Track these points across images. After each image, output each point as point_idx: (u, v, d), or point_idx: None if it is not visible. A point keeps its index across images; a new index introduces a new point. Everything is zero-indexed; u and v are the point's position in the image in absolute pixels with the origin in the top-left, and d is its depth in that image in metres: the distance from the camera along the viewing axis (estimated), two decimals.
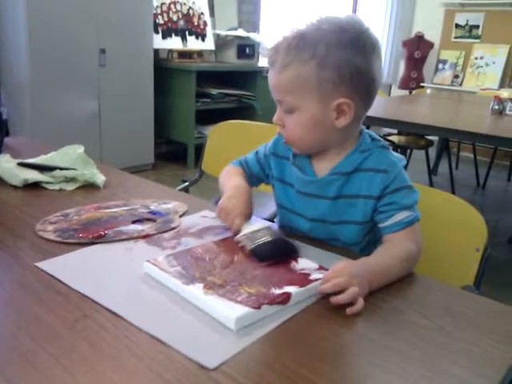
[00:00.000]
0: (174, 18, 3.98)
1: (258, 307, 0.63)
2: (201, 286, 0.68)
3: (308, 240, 0.90)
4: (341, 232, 0.92)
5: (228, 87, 4.10)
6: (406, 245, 0.82)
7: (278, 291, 0.68)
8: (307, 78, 0.82)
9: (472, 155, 4.29)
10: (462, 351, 0.61)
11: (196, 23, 4.12)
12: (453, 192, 3.55)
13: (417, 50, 5.45)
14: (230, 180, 0.98)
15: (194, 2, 4.10)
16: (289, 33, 0.86)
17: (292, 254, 0.79)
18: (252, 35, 4.33)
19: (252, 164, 1.03)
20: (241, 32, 4.32)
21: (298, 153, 0.93)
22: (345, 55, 0.81)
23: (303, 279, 0.72)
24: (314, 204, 0.92)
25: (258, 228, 0.84)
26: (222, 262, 0.76)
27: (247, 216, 0.88)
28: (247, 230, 0.84)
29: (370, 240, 0.93)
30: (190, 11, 4.08)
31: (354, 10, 5.77)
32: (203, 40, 4.18)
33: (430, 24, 5.43)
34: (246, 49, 4.29)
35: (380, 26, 5.60)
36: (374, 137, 0.92)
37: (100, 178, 1.14)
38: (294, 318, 0.66)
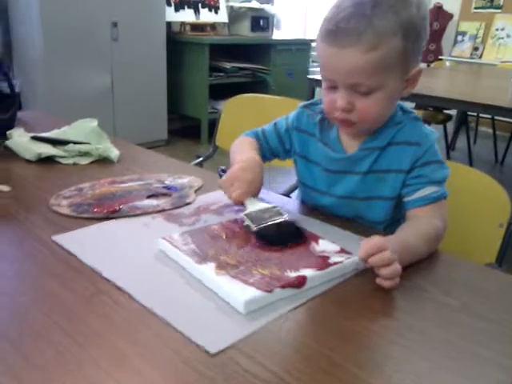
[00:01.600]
0: None
1: (270, 290, 0.60)
2: (213, 265, 0.65)
3: (330, 219, 0.87)
4: (368, 209, 0.89)
5: (241, 61, 4.03)
6: (433, 222, 0.79)
7: (293, 274, 0.64)
8: (394, 54, 0.75)
9: (491, 130, 4.20)
10: (487, 331, 0.59)
11: None
12: (471, 167, 3.48)
13: (435, 21, 5.28)
14: (243, 152, 0.91)
15: None
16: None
17: (298, 240, 0.74)
18: (266, 7, 4.23)
19: (270, 136, 0.98)
20: (255, 4, 4.22)
21: (357, 133, 0.85)
22: (419, 21, 0.77)
23: (322, 262, 0.68)
24: (343, 181, 0.89)
25: (265, 207, 0.80)
26: (239, 241, 0.73)
27: (255, 192, 0.82)
28: (253, 207, 0.80)
29: (393, 218, 0.90)
30: None
31: None
32: (216, 12, 4.10)
33: None
34: (260, 21, 4.20)
35: None
36: (406, 108, 0.89)
37: (114, 153, 1.12)
38: (310, 303, 0.62)
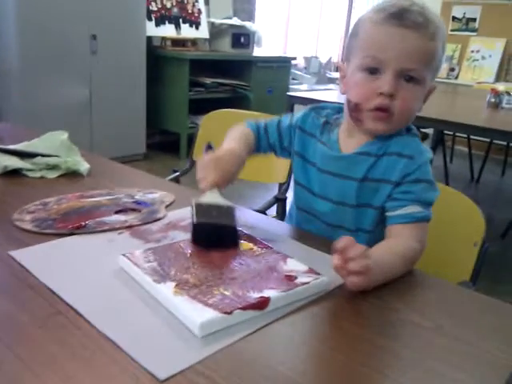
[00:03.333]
0: (168, 4, 3.90)
1: (230, 312, 0.57)
2: (172, 284, 0.62)
3: (302, 235, 0.85)
4: (357, 216, 0.88)
5: (222, 77, 4.04)
6: (411, 243, 0.77)
7: (256, 294, 0.61)
8: (438, 53, 0.82)
9: (467, 149, 4.26)
10: (462, 353, 0.57)
11: (190, 11, 4.05)
12: (447, 185, 3.52)
13: None
14: (231, 141, 0.91)
15: None
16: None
17: (230, 246, 0.73)
18: (247, 24, 4.26)
19: (271, 130, 0.98)
20: (236, 21, 4.25)
21: (382, 131, 0.85)
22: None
23: (287, 283, 0.64)
24: (337, 184, 0.88)
25: (219, 204, 0.78)
26: (204, 259, 0.70)
27: (223, 183, 0.80)
28: (208, 199, 0.78)
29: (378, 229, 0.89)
30: None
31: (351, 1, 5.70)
32: (197, 28, 4.11)
33: None
34: (241, 38, 4.22)
35: None
36: (410, 126, 0.89)
37: (84, 166, 1.09)
38: (274, 325, 0.59)
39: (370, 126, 0.84)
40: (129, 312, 0.59)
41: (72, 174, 1.08)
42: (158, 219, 0.86)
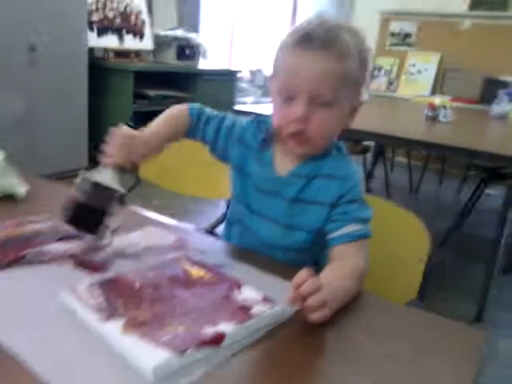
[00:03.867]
0: (110, 15, 3.82)
1: (183, 351, 0.54)
2: (120, 322, 0.58)
3: (255, 260, 0.83)
4: (288, 236, 0.88)
5: (167, 89, 3.99)
6: (357, 262, 0.78)
7: (210, 329, 0.58)
8: (353, 74, 0.80)
9: (406, 160, 4.43)
10: (412, 376, 0.58)
11: (133, 22, 3.98)
12: (388, 196, 3.64)
13: None
14: (159, 123, 0.91)
15: (131, 0, 3.96)
16: (321, 19, 0.81)
17: (91, 231, 0.75)
18: (192, 36, 4.24)
19: (210, 129, 0.95)
20: (181, 32, 4.22)
21: (304, 153, 0.86)
22: (368, 56, 0.83)
23: (242, 314, 0.63)
24: (271, 202, 0.88)
25: (110, 186, 0.76)
26: (155, 292, 0.66)
27: (126, 165, 0.80)
28: (99, 177, 0.76)
29: (311, 252, 0.90)
30: (128, 9, 3.93)
31: (294, 14, 5.81)
32: (141, 39, 4.04)
33: (366, 31, 5.55)
34: (186, 50, 4.19)
35: None
36: (338, 145, 0.90)
37: (21, 189, 1.03)
38: (231, 359, 0.57)
39: (291, 149, 0.87)
40: (72, 355, 0.55)
41: (8, 198, 1.02)
42: (103, 247, 0.83)
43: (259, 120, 0.95)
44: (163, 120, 0.91)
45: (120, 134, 0.81)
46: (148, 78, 3.90)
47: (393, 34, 5.49)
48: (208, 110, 0.97)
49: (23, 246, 0.80)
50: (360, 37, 0.82)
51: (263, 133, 0.92)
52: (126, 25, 3.93)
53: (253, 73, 5.27)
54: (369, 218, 0.84)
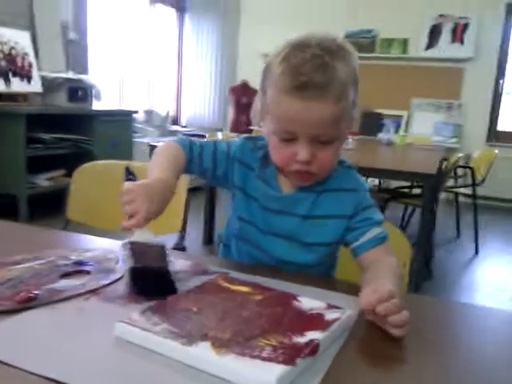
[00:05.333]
0: None
1: (294, 362, 0.51)
2: (207, 344, 0.54)
3: (277, 274, 0.81)
4: (306, 253, 0.87)
5: (61, 132, 3.76)
6: (394, 260, 0.81)
7: (301, 339, 0.55)
8: (351, 103, 0.79)
9: None
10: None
11: (20, 64, 3.73)
12: None
13: (243, 96, 5.78)
14: (162, 166, 0.81)
15: (16, 42, 3.72)
16: (313, 49, 0.74)
17: (166, 293, 0.67)
18: (84, 77, 4.09)
19: (206, 157, 0.90)
20: (71, 74, 4.05)
21: (312, 183, 0.84)
22: (357, 73, 0.81)
23: (321, 322, 0.61)
24: (282, 221, 0.87)
25: (151, 242, 0.71)
26: (217, 312, 0.62)
27: (152, 217, 0.72)
28: (141, 237, 0.71)
29: (326, 263, 0.91)
30: (13, 51, 3.69)
31: (180, 57, 5.91)
32: (29, 82, 3.80)
33: (253, 72, 5.82)
34: (78, 91, 4.02)
35: (207, 72, 5.84)
36: (340, 159, 0.91)
37: None
38: (330, 369, 0.54)
39: (295, 182, 0.87)
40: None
41: None
42: (119, 278, 0.76)
43: (251, 137, 0.95)
44: (165, 163, 0.83)
45: (137, 188, 0.72)
46: (41, 122, 3.65)
47: None
48: (196, 140, 0.93)
49: (26, 286, 0.70)
50: (352, 59, 0.80)
51: (261, 150, 0.91)
52: (13, 67, 3.67)
53: (148, 113, 5.21)
54: (383, 219, 0.88)
